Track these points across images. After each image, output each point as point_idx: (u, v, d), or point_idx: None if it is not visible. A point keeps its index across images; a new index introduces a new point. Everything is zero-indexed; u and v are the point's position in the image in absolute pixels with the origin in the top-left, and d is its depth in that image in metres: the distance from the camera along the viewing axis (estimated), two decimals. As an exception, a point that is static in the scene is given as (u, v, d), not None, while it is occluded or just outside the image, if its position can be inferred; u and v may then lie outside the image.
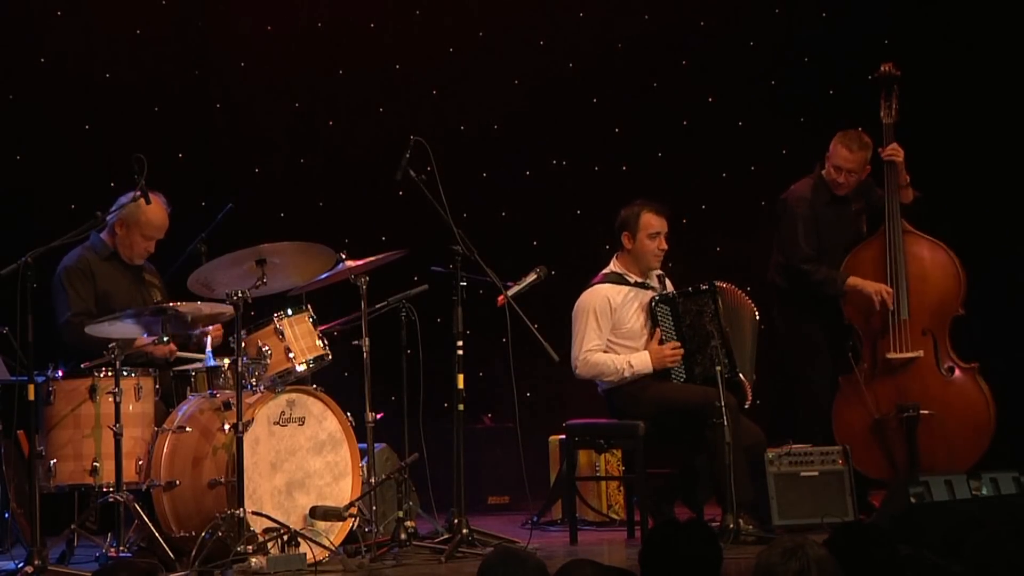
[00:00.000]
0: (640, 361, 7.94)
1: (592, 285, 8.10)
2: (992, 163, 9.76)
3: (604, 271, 8.13)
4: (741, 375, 7.93)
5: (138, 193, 7.29)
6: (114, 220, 7.67)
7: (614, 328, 7.99)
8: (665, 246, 8.10)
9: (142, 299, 7.76)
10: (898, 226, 8.49)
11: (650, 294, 8.07)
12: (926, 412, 8.41)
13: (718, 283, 8.00)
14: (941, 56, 9.60)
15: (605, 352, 7.97)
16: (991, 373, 8.59)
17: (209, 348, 7.46)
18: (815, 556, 3.96)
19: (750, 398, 7.97)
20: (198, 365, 7.52)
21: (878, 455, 8.49)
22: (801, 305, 8.58)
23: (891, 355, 8.47)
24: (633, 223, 8.06)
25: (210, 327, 7.51)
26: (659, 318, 8.00)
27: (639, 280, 8.10)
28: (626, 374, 7.94)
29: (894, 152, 8.53)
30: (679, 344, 7.93)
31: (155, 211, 7.59)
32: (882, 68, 8.68)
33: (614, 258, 8.15)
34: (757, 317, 8.12)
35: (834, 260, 8.53)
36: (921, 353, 8.48)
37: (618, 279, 8.08)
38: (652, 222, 8.06)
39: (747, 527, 7.55)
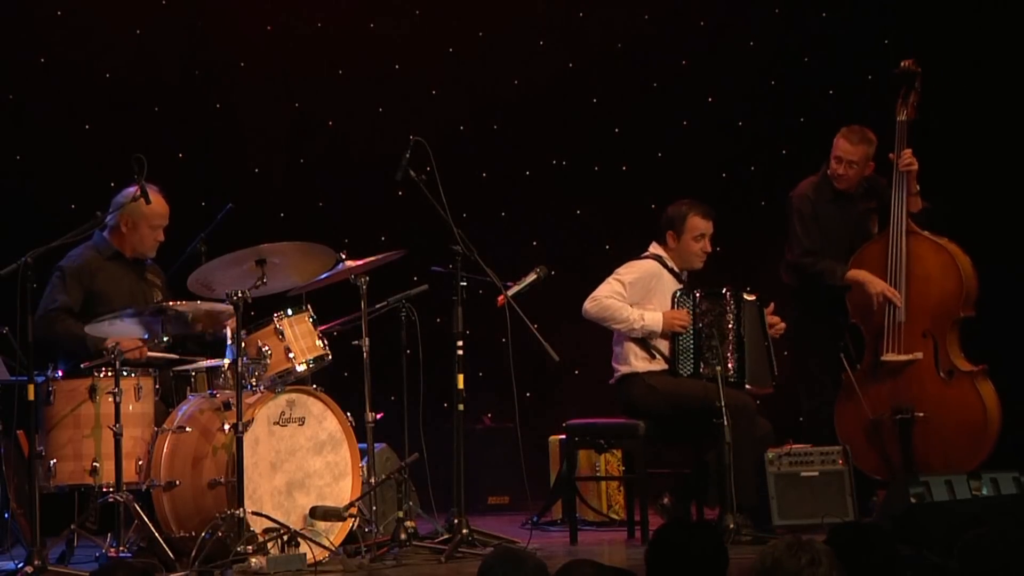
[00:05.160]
0: (652, 318, 7.97)
1: (642, 258, 8.12)
2: (1001, 163, 9.74)
3: (650, 253, 8.14)
4: (748, 386, 7.95)
5: (137, 191, 7.29)
6: (114, 221, 7.67)
7: (646, 300, 8.00)
8: (709, 248, 8.16)
9: (143, 298, 7.76)
10: (902, 227, 8.46)
11: (678, 285, 8.12)
12: (921, 415, 8.40)
13: (745, 294, 8.03)
14: (942, 56, 9.58)
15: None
16: (1002, 374, 8.56)
17: (229, 340, 7.41)
18: (822, 549, 3.97)
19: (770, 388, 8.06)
20: (199, 364, 7.52)
21: (875, 455, 8.49)
22: (810, 304, 8.59)
23: (885, 357, 8.46)
24: (680, 223, 8.11)
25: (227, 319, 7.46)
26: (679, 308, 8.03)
27: (676, 271, 8.13)
28: (635, 325, 7.95)
29: (909, 162, 8.49)
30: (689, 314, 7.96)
31: (156, 200, 7.56)
32: (902, 64, 8.62)
33: (657, 245, 8.15)
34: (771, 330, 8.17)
35: (838, 258, 8.53)
36: (920, 356, 8.45)
37: (662, 262, 8.12)
38: (699, 224, 8.10)
39: (744, 526, 7.56)
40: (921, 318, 8.47)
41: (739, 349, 7.96)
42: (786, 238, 8.70)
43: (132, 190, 7.37)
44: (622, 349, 8.06)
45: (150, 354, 7.54)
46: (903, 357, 8.45)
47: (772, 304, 8.21)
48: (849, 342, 8.58)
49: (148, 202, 7.37)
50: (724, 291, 8.04)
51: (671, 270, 8.12)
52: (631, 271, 8.08)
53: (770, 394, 8.13)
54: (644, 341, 8.02)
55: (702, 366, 7.90)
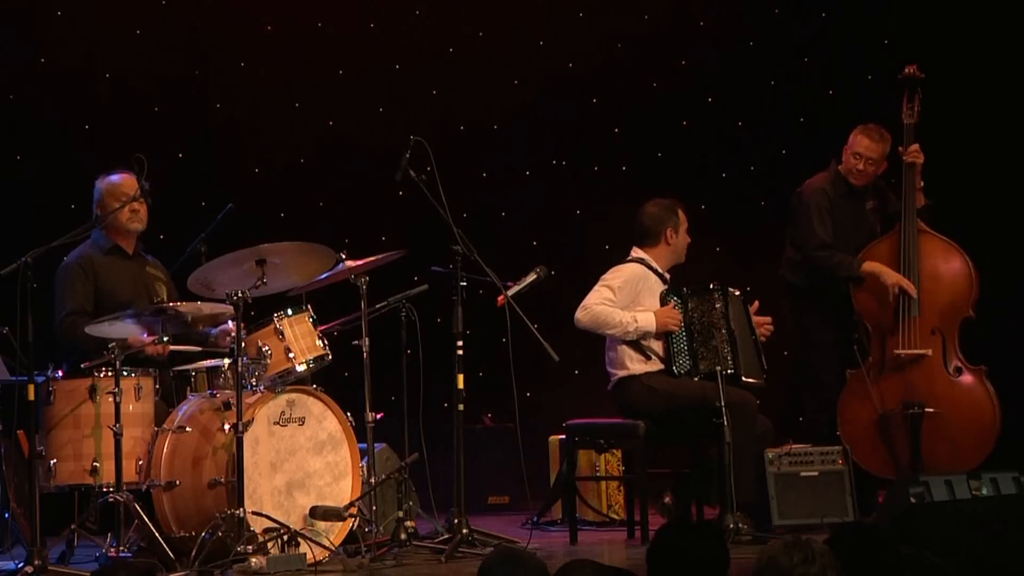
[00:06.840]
0: (645, 319, 7.96)
1: (626, 262, 8.12)
2: (1001, 165, 9.75)
3: (634, 257, 8.14)
4: (745, 378, 7.95)
5: (130, 179, 7.37)
6: (97, 212, 7.70)
7: (635, 303, 8.00)
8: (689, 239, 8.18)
9: (147, 292, 7.77)
10: (913, 224, 8.50)
11: (664, 286, 8.12)
12: (931, 410, 8.42)
13: (731, 288, 8.04)
14: (942, 56, 9.59)
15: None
16: (996, 375, 8.59)
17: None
18: (819, 549, 3.98)
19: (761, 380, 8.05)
20: (199, 364, 7.52)
21: (882, 452, 8.50)
22: (812, 302, 8.60)
23: (899, 351, 8.48)
24: (675, 220, 8.14)
25: (230, 325, 7.45)
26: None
27: (660, 271, 8.14)
28: (629, 328, 7.94)
29: (916, 154, 8.55)
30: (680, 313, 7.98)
31: (110, 178, 7.63)
32: (907, 70, 8.71)
33: (640, 250, 8.14)
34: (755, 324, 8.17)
35: (846, 254, 8.53)
36: (930, 351, 8.49)
37: (646, 264, 8.12)
38: (685, 217, 8.18)
39: (743, 526, 7.56)
40: (931, 315, 8.50)
41: (731, 342, 7.95)
42: (793, 234, 8.67)
43: (115, 178, 7.51)
44: (616, 353, 8.06)
45: (173, 348, 7.58)
46: (916, 351, 8.46)
47: (756, 303, 8.20)
48: (864, 336, 8.58)
49: (148, 201, 7.44)
50: (711, 286, 8.04)
51: (655, 271, 8.12)
52: (618, 276, 8.07)
53: (762, 386, 8.09)
54: (638, 343, 8.01)
55: (700, 365, 7.90)
